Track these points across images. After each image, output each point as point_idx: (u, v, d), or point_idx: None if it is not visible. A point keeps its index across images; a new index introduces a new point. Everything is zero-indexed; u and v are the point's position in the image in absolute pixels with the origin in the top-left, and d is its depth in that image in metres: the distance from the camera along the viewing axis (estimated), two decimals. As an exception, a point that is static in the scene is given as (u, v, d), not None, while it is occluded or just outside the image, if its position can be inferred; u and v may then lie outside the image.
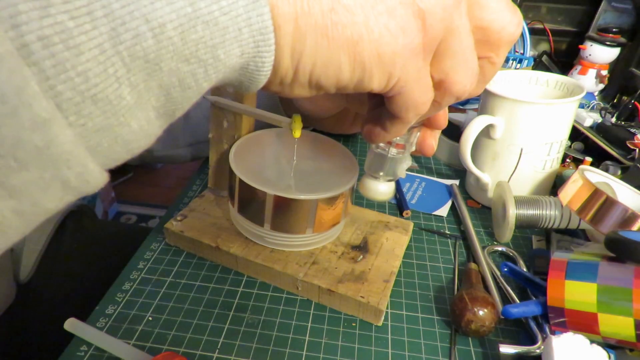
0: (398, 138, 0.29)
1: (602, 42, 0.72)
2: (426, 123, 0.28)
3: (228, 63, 0.16)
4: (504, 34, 0.20)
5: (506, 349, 0.33)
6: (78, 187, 0.14)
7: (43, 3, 0.12)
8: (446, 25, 0.19)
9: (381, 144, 0.30)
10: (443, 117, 0.27)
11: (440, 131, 0.29)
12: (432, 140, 0.29)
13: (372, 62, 0.19)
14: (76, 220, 0.61)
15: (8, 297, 0.49)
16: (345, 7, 0.17)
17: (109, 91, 0.13)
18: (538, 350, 0.32)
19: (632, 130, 0.57)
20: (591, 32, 0.76)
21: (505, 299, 0.38)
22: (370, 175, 0.31)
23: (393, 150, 0.29)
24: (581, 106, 0.67)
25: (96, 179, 0.15)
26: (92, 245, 0.60)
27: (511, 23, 0.20)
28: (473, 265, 0.40)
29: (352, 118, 0.43)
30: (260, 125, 0.43)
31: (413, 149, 0.29)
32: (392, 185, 0.32)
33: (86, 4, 0.12)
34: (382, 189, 0.31)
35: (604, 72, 0.75)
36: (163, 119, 0.17)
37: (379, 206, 0.50)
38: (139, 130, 0.15)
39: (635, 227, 0.35)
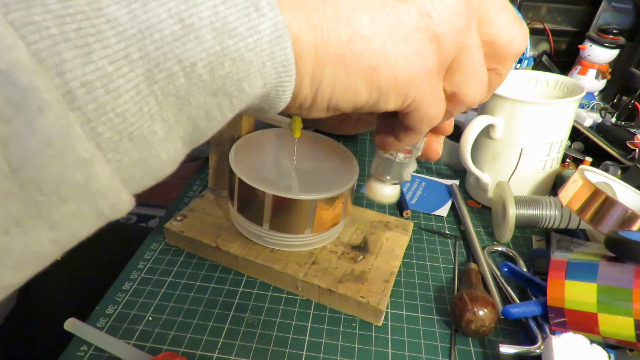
0: None
1: (601, 43, 0.72)
2: (432, 129, 0.29)
3: (251, 94, 0.17)
4: (510, 47, 0.21)
5: (506, 349, 0.33)
6: (110, 215, 0.15)
7: (85, 50, 0.12)
8: (459, 45, 0.20)
9: None
10: (449, 124, 0.29)
11: (445, 136, 0.30)
12: (438, 146, 0.30)
13: (388, 86, 0.19)
14: (76, 220, 0.61)
15: (10, 299, 0.49)
16: (363, 37, 0.18)
17: (144, 128, 0.14)
18: (538, 350, 0.32)
19: (632, 130, 0.57)
20: (591, 32, 0.75)
21: (505, 299, 0.38)
22: (377, 179, 0.32)
23: (400, 156, 0.30)
24: (581, 106, 0.67)
25: (126, 206, 0.16)
26: (92, 245, 0.60)
27: (517, 38, 0.21)
28: (473, 265, 0.40)
29: (356, 119, 0.43)
30: (260, 125, 0.43)
31: (419, 153, 0.30)
32: (398, 188, 0.33)
33: (124, 47, 0.13)
34: (388, 191, 0.32)
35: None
36: (188, 147, 0.17)
37: (379, 206, 0.50)
38: (167, 159, 0.16)
39: (635, 227, 0.35)
